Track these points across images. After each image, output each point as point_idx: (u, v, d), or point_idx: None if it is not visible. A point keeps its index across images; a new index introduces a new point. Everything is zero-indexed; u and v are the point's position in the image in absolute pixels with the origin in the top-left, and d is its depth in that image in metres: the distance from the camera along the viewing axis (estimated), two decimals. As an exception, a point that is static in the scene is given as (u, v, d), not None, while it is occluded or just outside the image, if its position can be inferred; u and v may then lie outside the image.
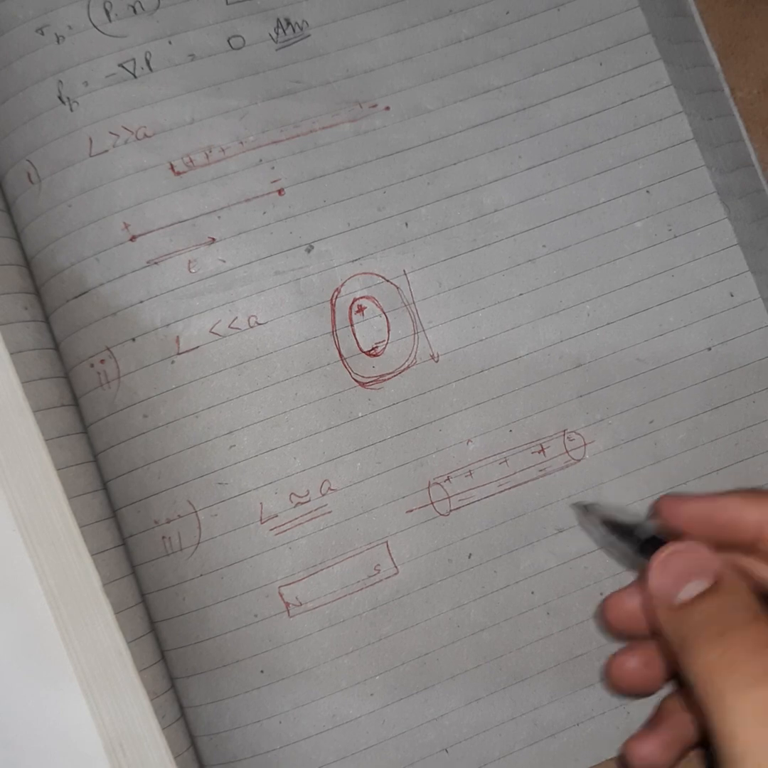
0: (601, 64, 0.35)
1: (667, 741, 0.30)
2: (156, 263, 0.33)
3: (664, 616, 0.26)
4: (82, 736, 0.31)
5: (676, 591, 0.26)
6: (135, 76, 0.34)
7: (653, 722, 0.31)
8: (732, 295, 0.35)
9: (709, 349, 0.35)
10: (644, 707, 0.34)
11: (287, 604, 0.33)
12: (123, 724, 0.32)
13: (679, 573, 0.26)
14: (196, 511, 0.33)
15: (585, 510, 0.31)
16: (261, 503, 0.33)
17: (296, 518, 0.33)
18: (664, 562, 0.27)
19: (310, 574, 0.33)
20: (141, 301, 0.33)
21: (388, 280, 0.34)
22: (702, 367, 0.35)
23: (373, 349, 0.34)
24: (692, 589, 0.25)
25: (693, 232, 0.35)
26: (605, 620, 0.31)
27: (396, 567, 0.33)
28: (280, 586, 0.33)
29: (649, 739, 0.30)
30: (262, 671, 0.33)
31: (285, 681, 0.33)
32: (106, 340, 0.33)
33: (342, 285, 0.34)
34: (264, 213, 0.34)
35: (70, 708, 0.31)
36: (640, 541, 0.28)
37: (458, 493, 0.34)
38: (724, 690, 0.23)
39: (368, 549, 0.33)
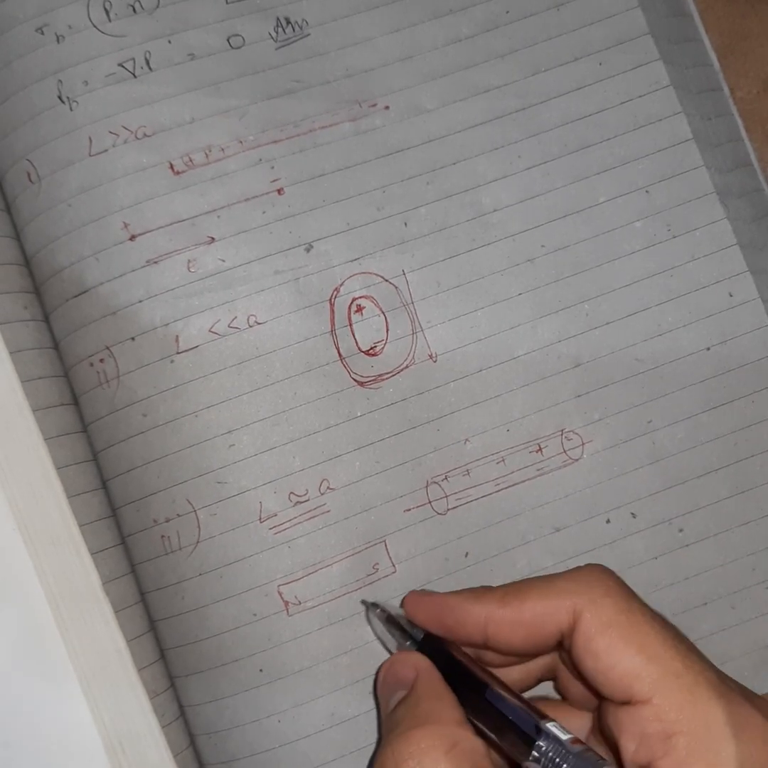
0: (600, 64, 0.35)
1: None
2: (155, 262, 0.33)
3: (383, 722, 0.30)
4: (82, 735, 0.31)
5: (387, 703, 0.29)
6: (135, 76, 0.34)
7: None
8: (731, 295, 0.35)
9: (708, 349, 0.35)
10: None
11: (286, 603, 0.33)
12: (123, 722, 0.32)
13: (389, 686, 0.30)
14: (195, 510, 0.33)
15: (371, 607, 0.32)
16: (260, 502, 0.33)
17: (295, 517, 0.33)
18: (381, 679, 0.30)
19: (309, 573, 0.33)
20: (140, 301, 0.33)
21: (386, 280, 0.34)
22: (701, 367, 0.35)
23: (371, 348, 0.34)
24: (395, 699, 0.28)
25: (692, 232, 0.35)
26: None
27: (394, 566, 0.33)
28: (279, 585, 0.33)
29: None
30: (261, 670, 0.33)
31: (284, 680, 0.33)
32: (106, 339, 0.33)
33: (341, 285, 0.34)
34: (264, 212, 0.34)
35: (70, 706, 0.31)
36: (415, 640, 0.31)
37: (456, 493, 0.34)
38: None
39: (366, 548, 0.33)
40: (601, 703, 0.27)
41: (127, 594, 0.33)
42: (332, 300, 0.34)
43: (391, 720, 0.28)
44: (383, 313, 0.34)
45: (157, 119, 0.34)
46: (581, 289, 0.35)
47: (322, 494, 0.33)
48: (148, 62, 0.34)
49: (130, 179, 0.33)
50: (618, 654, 0.25)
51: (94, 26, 0.34)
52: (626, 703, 0.25)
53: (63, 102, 0.34)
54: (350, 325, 0.34)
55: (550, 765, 0.25)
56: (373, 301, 0.34)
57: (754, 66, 0.37)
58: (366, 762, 0.33)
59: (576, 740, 0.26)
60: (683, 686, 0.25)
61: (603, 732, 0.27)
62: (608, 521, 0.34)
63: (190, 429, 0.33)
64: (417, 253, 0.34)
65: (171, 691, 0.34)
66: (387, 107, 0.35)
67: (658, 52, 0.35)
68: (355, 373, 0.34)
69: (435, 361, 0.34)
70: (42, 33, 0.34)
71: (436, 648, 0.29)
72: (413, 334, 0.34)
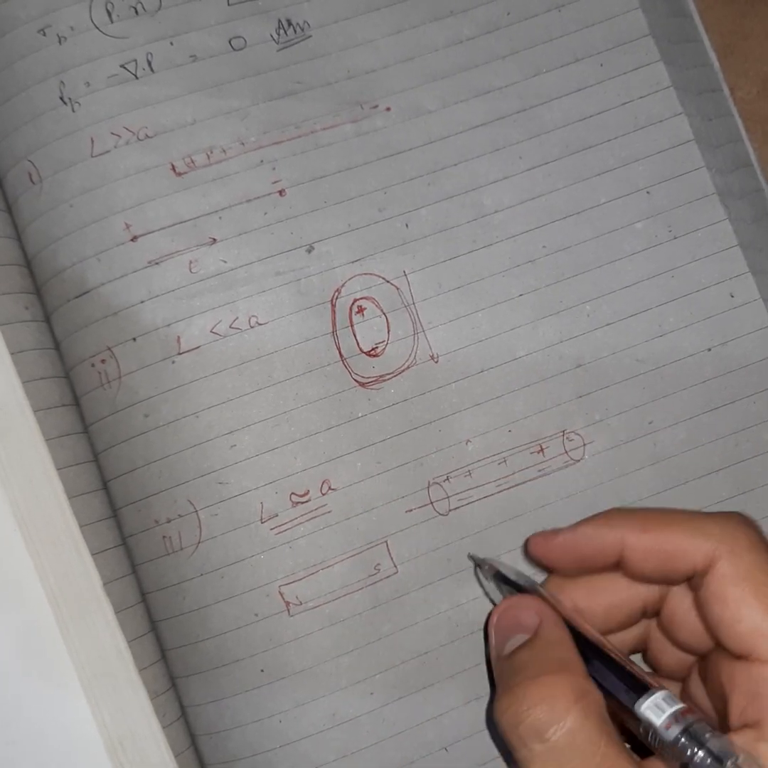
0: (601, 65, 0.35)
1: None
2: (157, 263, 0.33)
3: (496, 667, 0.29)
4: (83, 735, 0.31)
5: (503, 644, 0.29)
6: (136, 77, 0.34)
7: None
8: (732, 296, 0.35)
9: (709, 349, 0.35)
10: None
11: (287, 603, 0.33)
12: (124, 723, 0.32)
13: (507, 628, 0.29)
14: (196, 511, 0.33)
15: (480, 563, 0.33)
16: (261, 503, 0.33)
17: (296, 518, 0.33)
18: (497, 620, 0.30)
19: (311, 574, 0.33)
20: (142, 301, 0.33)
21: (388, 281, 0.34)
22: (702, 367, 0.35)
23: (373, 349, 0.34)
24: (515, 642, 0.28)
25: (693, 233, 0.35)
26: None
27: (395, 566, 0.33)
28: (280, 586, 0.33)
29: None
30: (262, 670, 0.33)
31: (285, 680, 0.33)
32: (107, 339, 0.33)
33: (342, 285, 0.34)
34: (265, 213, 0.34)
35: (71, 707, 0.32)
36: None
37: (457, 493, 0.34)
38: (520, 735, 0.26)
39: (368, 548, 0.33)
40: (712, 652, 0.27)
41: (128, 594, 0.33)
42: (333, 301, 0.34)
43: (513, 663, 0.27)
44: (384, 314, 0.34)
45: (159, 120, 0.34)
46: (582, 290, 0.35)
47: (323, 495, 0.33)
48: (150, 63, 0.34)
49: (132, 180, 0.34)
50: (748, 608, 0.25)
51: (96, 27, 0.34)
52: (743, 658, 0.25)
53: (65, 103, 0.34)
54: (351, 325, 0.34)
55: (659, 736, 0.25)
56: (374, 302, 0.34)
57: (753, 66, 0.37)
58: (366, 763, 0.33)
59: (689, 710, 0.25)
60: None
61: (708, 681, 0.27)
62: (609, 522, 0.34)
63: (192, 429, 0.33)
64: (418, 254, 0.34)
65: (172, 691, 0.34)
66: (388, 108, 0.35)
67: (659, 52, 0.35)
68: (357, 374, 0.34)
69: (436, 362, 0.34)
70: (44, 34, 0.34)
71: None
72: (414, 334, 0.34)
